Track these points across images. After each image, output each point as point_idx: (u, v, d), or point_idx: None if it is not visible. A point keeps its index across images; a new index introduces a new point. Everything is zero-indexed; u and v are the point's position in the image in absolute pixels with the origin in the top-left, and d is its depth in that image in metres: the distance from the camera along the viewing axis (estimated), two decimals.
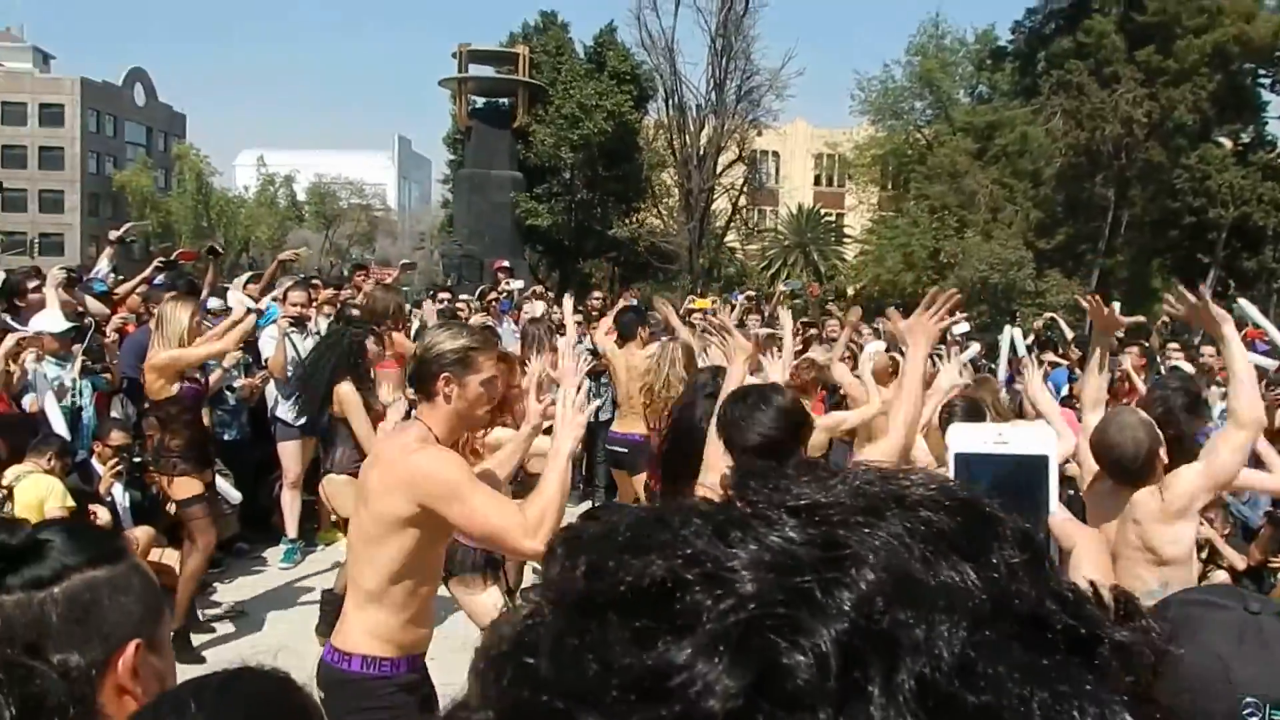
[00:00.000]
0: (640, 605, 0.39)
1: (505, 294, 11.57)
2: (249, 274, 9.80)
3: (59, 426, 5.89)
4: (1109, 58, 32.16)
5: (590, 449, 8.93)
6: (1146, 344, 10.64)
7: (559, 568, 0.44)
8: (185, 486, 5.53)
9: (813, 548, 0.40)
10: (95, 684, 1.23)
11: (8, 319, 6.50)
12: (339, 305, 8.33)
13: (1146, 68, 31.61)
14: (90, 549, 1.30)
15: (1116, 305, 14.28)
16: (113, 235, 8.95)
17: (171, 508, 5.81)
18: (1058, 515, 0.77)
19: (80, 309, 6.95)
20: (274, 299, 8.11)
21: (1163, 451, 3.44)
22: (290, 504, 7.13)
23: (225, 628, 5.92)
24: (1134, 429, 3.43)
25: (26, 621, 1.21)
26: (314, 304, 7.77)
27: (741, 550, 0.40)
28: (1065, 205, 34.24)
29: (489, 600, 4.40)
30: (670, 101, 34.87)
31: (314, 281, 9.06)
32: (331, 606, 5.52)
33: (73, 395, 6.21)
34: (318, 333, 7.61)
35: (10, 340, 5.67)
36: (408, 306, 8.95)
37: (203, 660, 5.17)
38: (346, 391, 5.67)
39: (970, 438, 0.88)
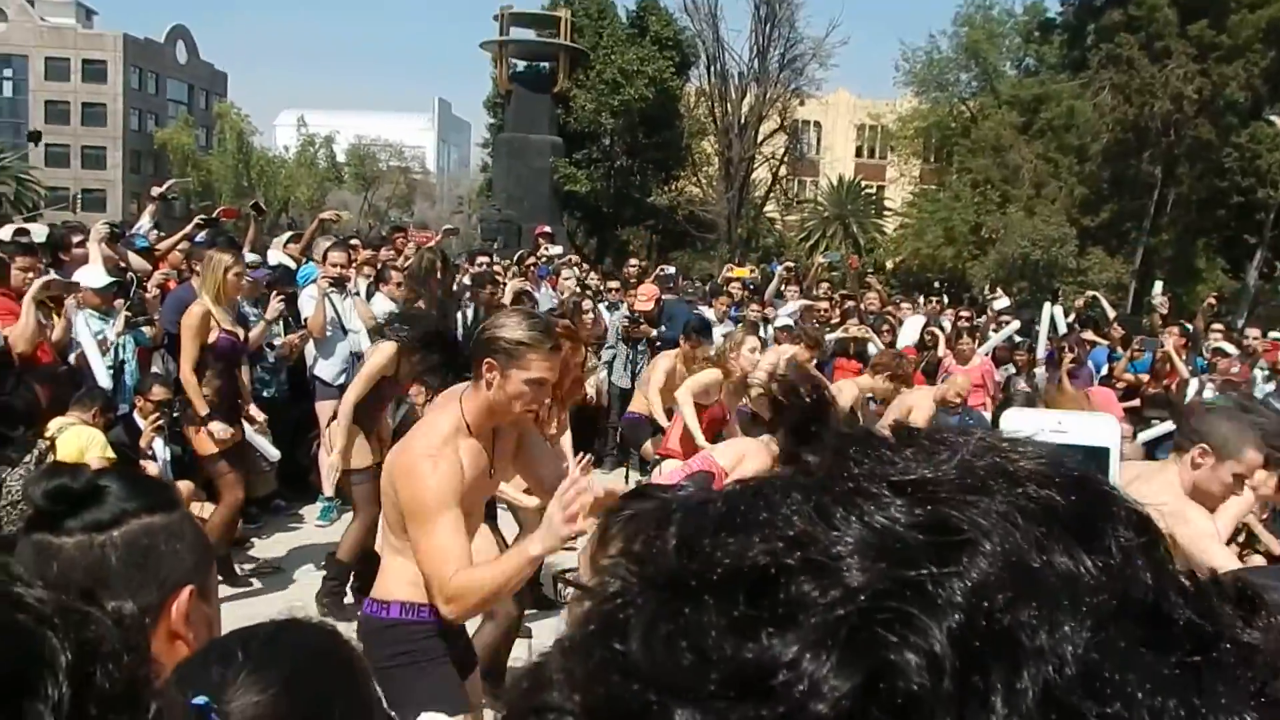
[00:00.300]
0: (739, 590, 0.36)
1: (544, 259, 11.57)
2: (289, 233, 9.84)
3: (102, 378, 5.97)
4: (1160, 32, 31.38)
5: (606, 416, 9.23)
6: (1189, 325, 10.46)
7: (644, 539, 0.41)
8: (209, 442, 5.58)
9: (922, 531, 0.37)
10: (149, 630, 1.23)
11: (52, 273, 6.57)
12: (378, 266, 8.36)
13: (1199, 43, 30.82)
14: (147, 496, 1.31)
15: (1159, 285, 14.11)
16: (155, 192, 9.02)
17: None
18: None
19: (123, 264, 7.02)
20: (313, 260, 8.16)
21: None
22: (327, 462, 7.19)
23: (260, 583, 6.00)
24: None
25: (86, 564, 1.23)
26: (353, 264, 7.80)
27: (846, 533, 0.37)
28: (1111, 182, 33.60)
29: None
30: (712, 68, 34.58)
31: (353, 242, 9.09)
32: (335, 573, 5.58)
33: (116, 350, 6.28)
34: (356, 293, 7.64)
35: (40, 282, 5.71)
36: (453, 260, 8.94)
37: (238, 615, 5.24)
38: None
39: (1027, 424, 0.86)
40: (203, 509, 5.88)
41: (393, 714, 1.28)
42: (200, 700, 1.04)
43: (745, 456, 4.29)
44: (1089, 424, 0.83)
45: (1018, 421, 0.86)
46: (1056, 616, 0.35)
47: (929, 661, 0.33)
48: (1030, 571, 0.36)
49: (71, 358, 5.99)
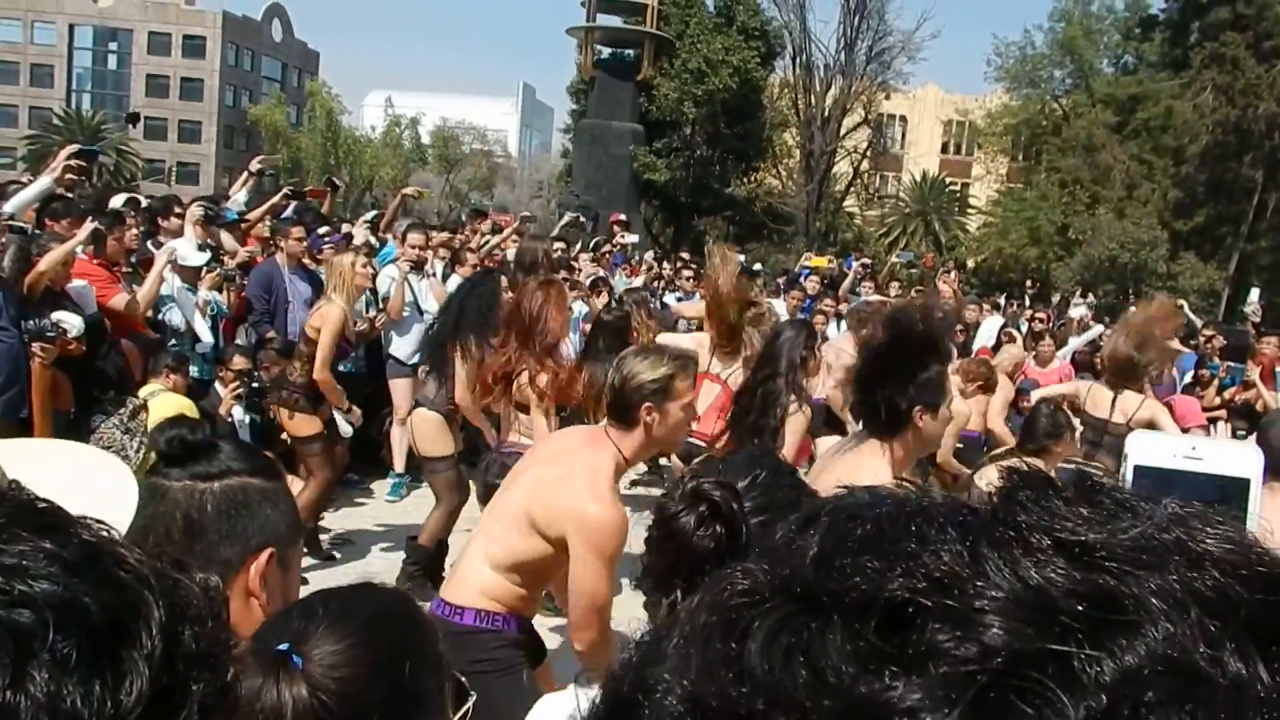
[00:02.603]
0: (870, 620, 0.34)
1: (620, 247, 11.62)
2: (373, 213, 10.05)
3: (205, 336, 6.48)
4: (1270, 30, 30.21)
5: None
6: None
7: (785, 538, 0.40)
8: (304, 424, 5.68)
9: (1081, 601, 0.33)
10: (227, 585, 1.34)
11: (149, 245, 6.85)
12: (454, 249, 8.49)
13: None
14: (254, 460, 1.44)
15: (1255, 292, 13.58)
16: (253, 167, 9.25)
17: (286, 437, 6.02)
18: None
19: (215, 244, 7.26)
20: (392, 236, 8.33)
21: None
22: (399, 439, 7.34)
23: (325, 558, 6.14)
24: None
25: (185, 508, 1.35)
26: (430, 246, 7.93)
27: (997, 584, 0.34)
28: (1207, 185, 32.50)
29: None
30: (798, 60, 34.26)
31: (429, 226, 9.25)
32: (416, 558, 5.64)
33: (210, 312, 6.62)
34: (433, 274, 7.77)
35: (164, 257, 5.98)
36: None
37: (306, 583, 5.38)
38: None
39: (1156, 449, 0.75)
40: (291, 483, 6.04)
41: (462, 678, 1.35)
42: (283, 646, 1.14)
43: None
44: (1227, 452, 0.75)
45: (1144, 443, 0.78)
46: None
47: None
48: (1194, 670, 0.32)
49: (168, 317, 6.27)
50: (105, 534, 0.59)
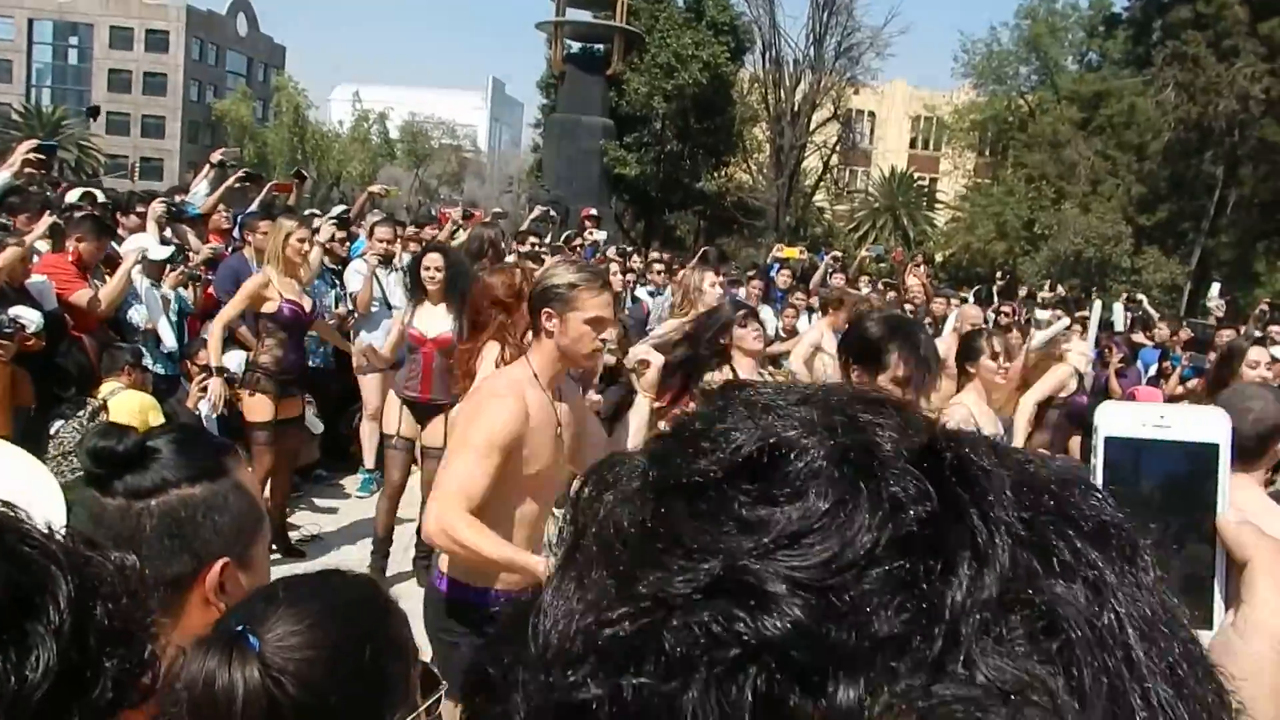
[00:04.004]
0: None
1: (590, 243, 11.59)
2: (340, 207, 9.96)
3: (169, 339, 6.36)
4: (1229, 29, 30.64)
5: None
6: (1242, 330, 10.24)
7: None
8: (257, 408, 5.64)
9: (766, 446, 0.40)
10: (182, 601, 1.30)
11: (110, 242, 6.75)
12: (423, 244, 8.43)
13: (1269, 42, 30.05)
14: (194, 465, 1.33)
15: (1215, 287, 13.76)
16: (214, 158, 9.14)
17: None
18: (1230, 518, 0.66)
19: (178, 243, 7.17)
20: (361, 231, 8.25)
21: None
22: (369, 435, 7.29)
23: (301, 550, 6.09)
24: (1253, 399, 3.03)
25: (121, 529, 1.27)
26: (399, 240, 7.88)
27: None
28: (1170, 181, 32.93)
29: None
30: (767, 55, 34.36)
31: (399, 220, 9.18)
32: (382, 549, 5.71)
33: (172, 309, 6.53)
34: (401, 268, 7.72)
35: (132, 258, 5.89)
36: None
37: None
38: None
39: (1124, 419, 0.74)
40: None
41: (434, 667, 1.33)
42: (239, 626, 1.11)
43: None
44: (1195, 418, 0.74)
45: (1112, 413, 0.77)
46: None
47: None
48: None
49: (134, 316, 6.18)
50: (9, 512, 0.57)
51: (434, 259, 5.70)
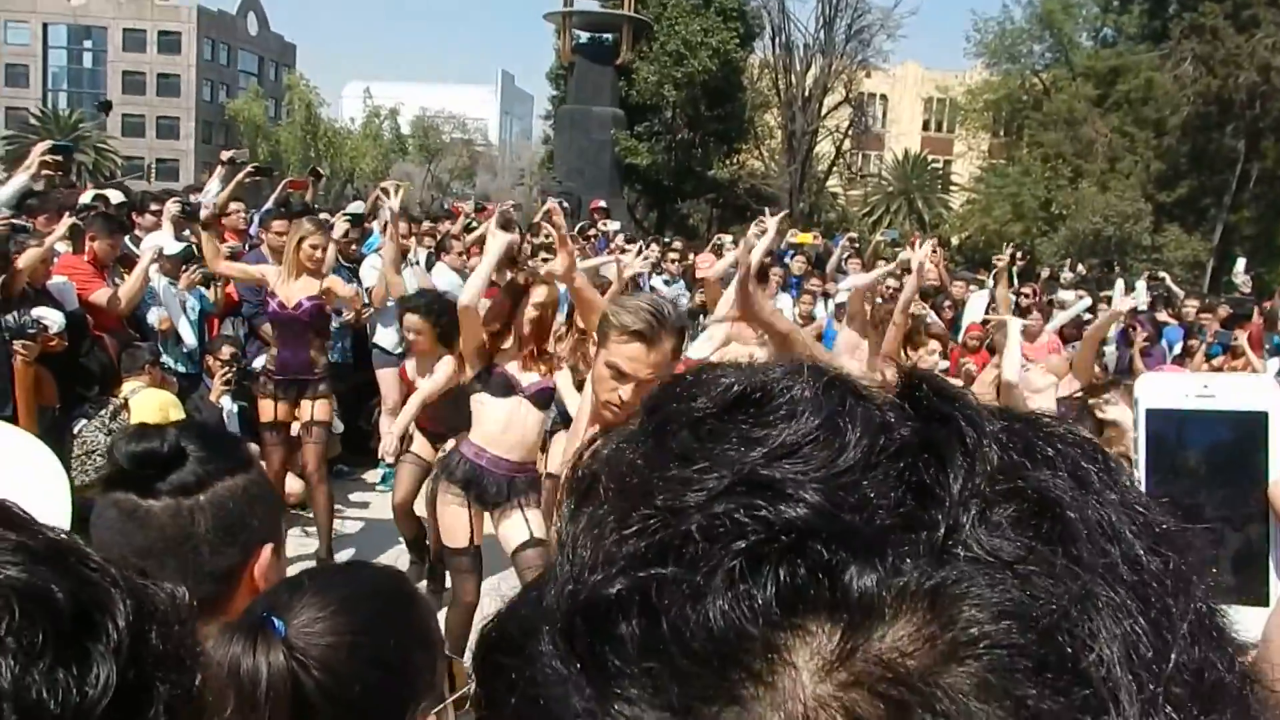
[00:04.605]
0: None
1: (602, 234, 11.58)
2: (357, 203, 9.97)
3: (189, 337, 6.39)
4: (1248, 0, 30.23)
5: None
6: (1268, 306, 10.11)
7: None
8: (261, 410, 5.70)
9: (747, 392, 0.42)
10: (232, 589, 1.30)
11: (125, 240, 6.78)
12: (438, 237, 8.43)
13: None
14: (227, 456, 1.35)
15: (1241, 262, 13.60)
16: (224, 156, 9.17)
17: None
18: None
19: (194, 241, 7.19)
20: (377, 227, 8.25)
21: None
22: (389, 429, 7.30)
23: (315, 544, 6.09)
24: None
25: (174, 529, 1.27)
26: (414, 235, 7.88)
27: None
28: (1190, 157, 32.53)
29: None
30: (777, 40, 34.19)
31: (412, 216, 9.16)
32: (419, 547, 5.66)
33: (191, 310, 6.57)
34: (416, 262, 7.72)
35: (149, 255, 5.92)
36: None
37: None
38: None
39: (1166, 390, 0.71)
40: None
41: (463, 661, 1.32)
42: (269, 615, 1.11)
43: None
44: (1240, 386, 0.71)
45: (1154, 385, 0.72)
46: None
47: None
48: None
49: (152, 317, 6.20)
50: (68, 537, 0.60)
51: (411, 321, 5.49)
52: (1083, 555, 0.35)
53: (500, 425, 4.15)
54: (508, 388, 4.15)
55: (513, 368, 4.18)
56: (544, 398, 4.25)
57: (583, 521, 0.40)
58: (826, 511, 0.35)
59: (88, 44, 68.55)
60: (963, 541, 0.35)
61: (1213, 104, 31.04)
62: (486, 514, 4.26)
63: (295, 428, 5.75)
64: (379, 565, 1.28)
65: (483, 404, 4.19)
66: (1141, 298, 10.89)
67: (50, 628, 0.52)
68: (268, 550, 1.34)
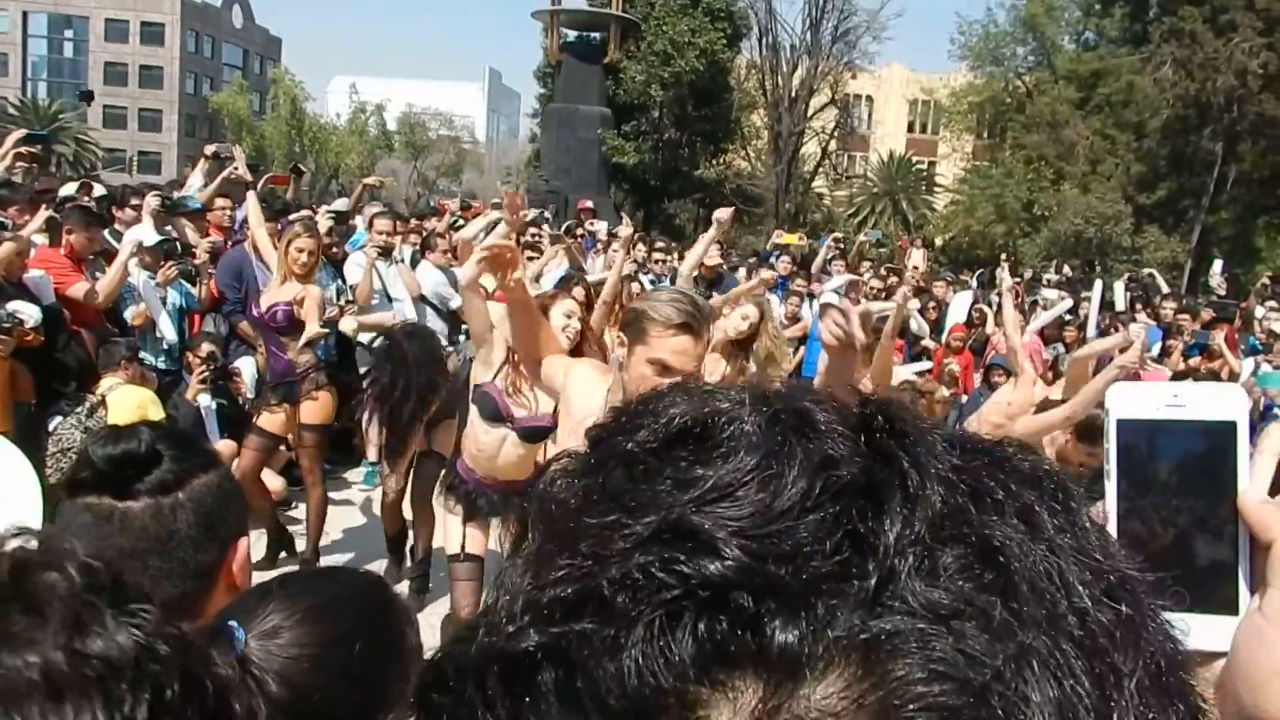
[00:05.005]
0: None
1: (589, 234, 11.58)
2: (341, 201, 9.93)
3: (168, 332, 6.34)
4: (1226, 5, 30.43)
5: None
6: (1244, 306, 10.21)
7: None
8: (272, 422, 5.64)
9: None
10: (212, 588, 1.30)
11: (105, 234, 6.73)
12: (424, 235, 8.41)
13: (1266, 16, 29.86)
14: (197, 454, 1.34)
15: (1218, 264, 13.76)
16: (208, 150, 9.11)
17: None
18: (1251, 496, 0.61)
19: (176, 235, 7.15)
20: (361, 222, 8.22)
21: None
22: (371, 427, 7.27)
23: (303, 544, 6.07)
24: None
25: (156, 528, 1.25)
26: (399, 233, 7.85)
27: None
28: (1169, 159, 32.78)
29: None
30: (764, 41, 34.27)
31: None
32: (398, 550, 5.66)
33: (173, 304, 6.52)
34: (401, 260, 7.69)
35: (128, 249, 5.86)
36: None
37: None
38: None
39: (1136, 400, 0.71)
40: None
41: None
42: (231, 624, 1.08)
43: None
44: (1210, 396, 0.70)
45: (1124, 395, 0.71)
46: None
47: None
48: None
49: (129, 314, 6.15)
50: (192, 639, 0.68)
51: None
52: (1024, 609, 0.33)
53: (487, 454, 4.04)
54: (496, 414, 3.95)
55: (502, 381, 3.95)
56: (534, 435, 3.98)
57: (516, 565, 0.39)
58: (749, 565, 0.33)
59: (69, 33, 67.93)
60: (898, 592, 0.33)
61: (1191, 107, 31.29)
62: (492, 524, 4.21)
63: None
64: (355, 571, 1.26)
65: (473, 423, 4.09)
66: (1120, 300, 10.97)
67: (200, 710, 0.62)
68: (244, 544, 1.33)
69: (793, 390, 0.41)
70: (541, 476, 0.42)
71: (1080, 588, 0.35)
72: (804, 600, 0.33)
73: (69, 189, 7.16)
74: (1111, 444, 0.69)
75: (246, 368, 6.37)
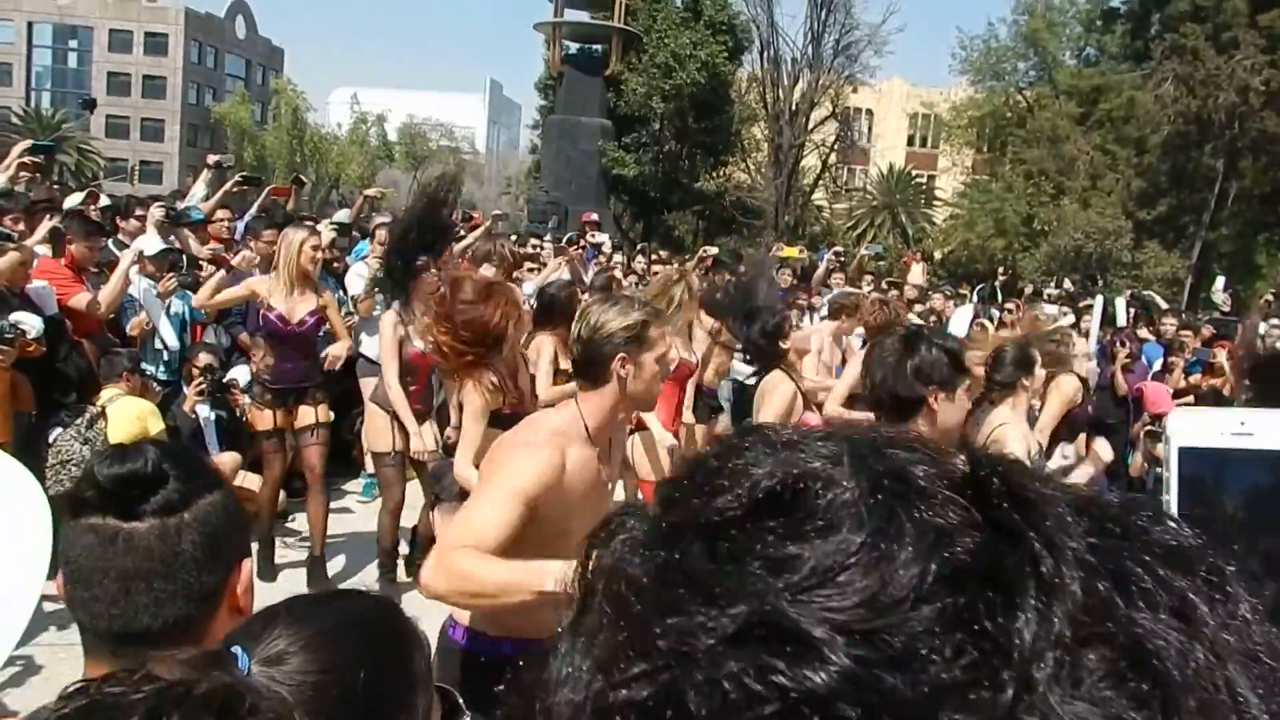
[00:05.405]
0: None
1: (592, 245, 11.58)
2: (343, 212, 9.92)
3: (170, 339, 6.33)
4: (1229, 21, 30.55)
5: None
6: (1247, 322, 10.21)
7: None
8: (258, 419, 5.63)
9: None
10: (213, 614, 1.27)
11: (109, 244, 6.73)
12: None
13: (1269, 33, 29.97)
14: (201, 473, 1.32)
15: (1220, 280, 13.73)
16: (211, 160, 9.11)
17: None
18: None
19: (180, 246, 7.14)
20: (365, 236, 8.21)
21: None
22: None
23: (299, 555, 6.05)
24: None
25: (162, 550, 1.23)
26: None
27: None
28: (1170, 175, 32.86)
29: None
30: (765, 54, 34.32)
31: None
32: (383, 560, 5.62)
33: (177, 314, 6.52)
34: None
35: (129, 257, 5.85)
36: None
37: (280, 588, 5.31)
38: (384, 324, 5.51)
39: (1199, 427, 0.66)
40: (245, 479, 5.96)
41: (459, 697, 1.28)
42: (235, 649, 1.06)
43: None
44: (1279, 422, 0.64)
45: (1186, 421, 0.67)
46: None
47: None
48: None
49: (129, 327, 6.14)
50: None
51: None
52: None
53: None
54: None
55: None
56: None
57: (577, 649, 0.35)
58: (858, 674, 0.29)
59: (73, 43, 68.15)
60: (1036, 706, 0.28)
61: (1192, 123, 31.37)
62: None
63: (291, 433, 5.71)
64: (365, 594, 1.23)
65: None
66: (1121, 317, 10.96)
67: None
68: (247, 565, 1.32)
69: (890, 442, 0.37)
70: (603, 535, 0.38)
71: (1254, 700, 0.30)
72: (926, 715, 0.29)
73: (74, 199, 7.16)
74: (1173, 473, 0.66)
75: (242, 377, 6.34)
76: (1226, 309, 11.46)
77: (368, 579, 5.54)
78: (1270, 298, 12.36)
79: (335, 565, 5.96)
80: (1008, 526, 0.32)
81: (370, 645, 1.15)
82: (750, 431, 0.39)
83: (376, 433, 5.52)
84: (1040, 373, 4.66)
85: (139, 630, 1.23)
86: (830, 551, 0.32)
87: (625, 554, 0.36)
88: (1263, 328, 10.29)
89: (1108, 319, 10.55)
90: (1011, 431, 3.58)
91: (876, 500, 0.33)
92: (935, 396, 2.50)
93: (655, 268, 10.94)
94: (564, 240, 12.01)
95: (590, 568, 0.37)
